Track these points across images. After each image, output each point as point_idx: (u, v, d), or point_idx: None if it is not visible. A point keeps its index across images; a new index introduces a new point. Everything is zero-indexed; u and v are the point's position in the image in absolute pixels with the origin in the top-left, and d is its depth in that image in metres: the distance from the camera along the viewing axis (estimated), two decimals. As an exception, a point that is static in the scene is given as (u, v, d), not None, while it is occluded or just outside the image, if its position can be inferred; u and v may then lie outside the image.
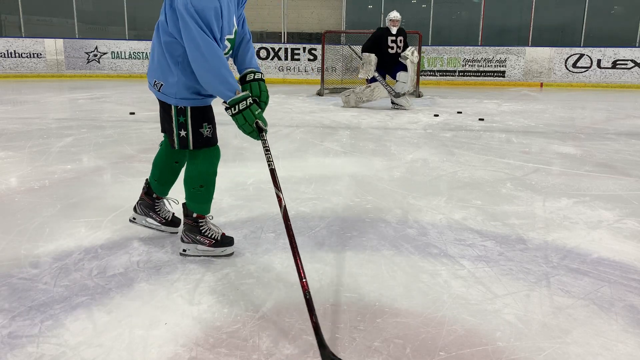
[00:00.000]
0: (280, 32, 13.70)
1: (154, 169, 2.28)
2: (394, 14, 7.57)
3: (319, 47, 11.47)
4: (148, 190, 2.32)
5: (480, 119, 6.47)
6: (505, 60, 12.07)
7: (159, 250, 2.22)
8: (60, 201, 2.87)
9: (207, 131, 2.03)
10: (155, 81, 1.99)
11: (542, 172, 3.75)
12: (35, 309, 1.70)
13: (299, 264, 1.62)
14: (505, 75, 12.12)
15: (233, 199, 2.97)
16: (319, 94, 9.57)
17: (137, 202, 2.35)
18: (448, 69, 12.23)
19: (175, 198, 2.37)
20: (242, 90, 1.90)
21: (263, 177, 3.38)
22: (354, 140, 5.01)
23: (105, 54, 12.69)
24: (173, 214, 2.40)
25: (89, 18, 14.01)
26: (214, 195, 2.17)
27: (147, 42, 12.48)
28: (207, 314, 1.69)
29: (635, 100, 9.31)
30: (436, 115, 6.77)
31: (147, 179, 2.33)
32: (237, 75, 2.01)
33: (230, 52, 2.04)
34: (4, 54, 12.20)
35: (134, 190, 2.43)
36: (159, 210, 2.34)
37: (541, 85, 12.00)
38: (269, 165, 1.87)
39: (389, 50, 7.49)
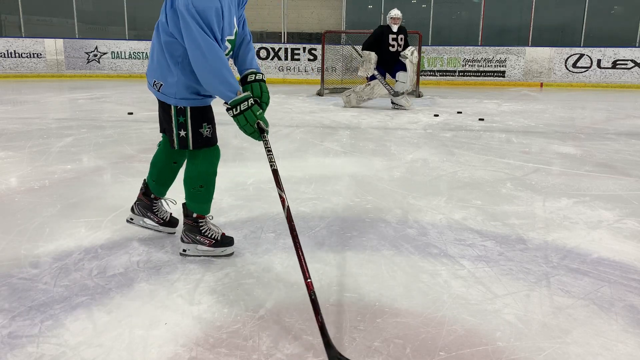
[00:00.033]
0: (280, 32, 13.71)
1: (152, 169, 2.28)
2: (395, 12, 7.55)
3: (319, 47, 11.46)
4: (146, 190, 2.31)
5: (480, 119, 6.47)
6: (505, 60, 12.07)
7: (159, 250, 2.22)
8: (60, 201, 2.87)
9: (207, 131, 2.03)
10: (155, 81, 1.99)
11: (542, 172, 3.75)
12: (35, 309, 1.70)
13: (304, 264, 1.62)
14: (505, 75, 12.12)
15: (233, 199, 2.97)
16: (319, 94, 9.57)
17: (135, 203, 2.35)
18: (448, 69, 12.23)
19: (173, 198, 2.37)
20: (243, 91, 1.90)
21: (263, 177, 3.38)
22: (354, 140, 5.01)
23: (105, 54, 12.69)
24: (171, 214, 2.40)
25: (89, 18, 14.01)
26: (214, 195, 2.17)
27: (147, 42, 12.48)
28: (207, 314, 1.69)
29: (635, 100, 9.31)
30: (436, 115, 6.77)
31: (144, 180, 2.33)
32: (237, 76, 2.01)
33: (231, 53, 2.04)
34: (4, 54, 12.20)
35: (134, 190, 2.43)
36: (157, 211, 2.34)
37: (541, 85, 12.00)
38: (271, 166, 1.87)
39: (390, 48, 7.48)
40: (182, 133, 2.01)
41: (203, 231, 2.14)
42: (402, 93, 7.41)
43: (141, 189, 2.33)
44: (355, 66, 10.37)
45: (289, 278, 1.97)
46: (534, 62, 12.02)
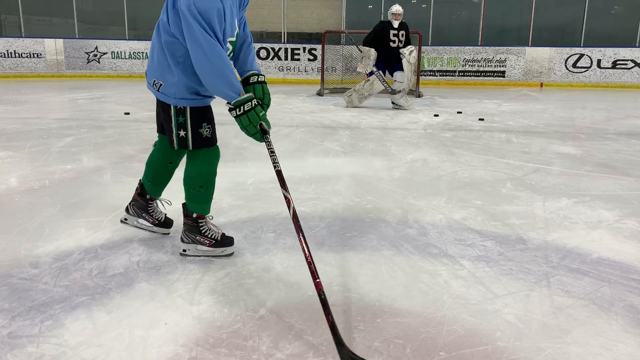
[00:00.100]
0: (280, 32, 13.71)
1: (147, 169, 2.28)
2: (396, 8, 7.51)
3: (319, 47, 11.46)
4: (141, 191, 2.31)
5: (480, 119, 6.47)
6: (505, 60, 12.07)
7: (159, 250, 2.22)
8: (60, 201, 2.87)
9: (207, 131, 2.03)
10: (155, 81, 1.99)
11: (542, 172, 3.75)
12: (35, 309, 1.70)
13: (312, 264, 1.62)
14: (505, 75, 12.12)
15: (233, 199, 2.97)
16: (319, 94, 9.57)
17: (130, 203, 2.34)
18: (448, 69, 12.23)
19: (169, 199, 2.37)
20: (245, 92, 1.90)
21: (263, 177, 3.39)
22: (354, 140, 5.01)
23: (105, 54, 12.69)
24: (165, 215, 2.40)
25: (89, 18, 14.01)
26: (214, 195, 2.17)
27: (147, 42, 12.48)
28: (207, 314, 1.69)
29: (635, 100, 9.31)
30: (436, 115, 6.77)
31: (140, 180, 2.33)
32: (238, 77, 2.01)
33: (232, 54, 2.04)
34: (4, 54, 12.20)
35: (134, 191, 2.43)
36: (152, 212, 2.33)
37: (541, 85, 12.00)
38: (275, 167, 1.87)
39: (390, 44, 7.45)
40: (182, 133, 2.00)
41: (203, 231, 2.14)
42: (399, 91, 7.41)
43: (137, 189, 2.33)
44: (355, 66, 10.37)
45: (289, 278, 1.97)
46: (534, 62, 12.02)
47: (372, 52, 7.33)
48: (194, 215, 2.13)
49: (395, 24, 7.49)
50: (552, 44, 12.26)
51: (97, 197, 2.99)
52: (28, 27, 13.35)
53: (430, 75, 12.20)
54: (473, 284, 1.93)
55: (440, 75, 12.27)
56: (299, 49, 12.53)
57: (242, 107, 1.84)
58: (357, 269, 2.06)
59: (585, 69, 11.82)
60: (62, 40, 12.55)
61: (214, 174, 2.13)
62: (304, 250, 1.66)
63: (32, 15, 13.56)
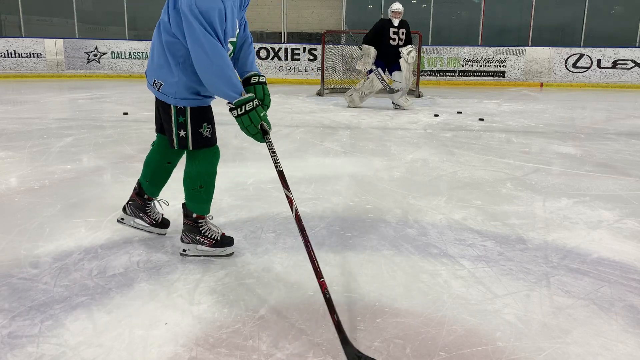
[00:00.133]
0: (280, 32, 13.71)
1: (145, 169, 2.27)
2: (396, 6, 7.50)
3: (319, 47, 11.47)
4: (139, 191, 2.31)
5: (480, 119, 6.47)
6: (505, 60, 12.07)
7: (159, 250, 2.22)
8: (60, 201, 2.87)
9: (207, 131, 2.03)
10: (155, 80, 1.99)
11: (542, 172, 3.75)
12: (35, 309, 1.70)
13: (316, 264, 1.63)
14: (505, 75, 12.12)
15: (233, 199, 2.97)
16: (319, 94, 9.57)
17: (127, 203, 2.34)
18: (448, 69, 12.23)
19: (166, 199, 2.37)
20: (246, 92, 1.90)
21: (263, 177, 3.39)
22: (354, 140, 5.01)
23: (105, 54, 12.69)
24: (162, 215, 2.40)
25: (89, 18, 14.01)
26: (214, 195, 2.17)
27: (147, 42, 12.48)
28: (207, 314, 1.69)
29: (635, 100, 9.31)
30: (436, 115, 6.77)
31: (138, 180, 2.33)
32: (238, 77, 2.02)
33: (232, 54, 2.04)
34: (4, 54, 12.20)
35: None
36: (150, 212, 2.33)
37: (541, 85, 12.00)
38: (276, 167, 1.87)
39: (391, 41, 7.43)
40: (182, 133, 2.00)
41: (203, 231, 2.14)
42: (397, 90, 7.42)
43: (134, 189, 2.32)
44: (355, 66, 10.37)
45: (289, 278, 1.97)
46: (534, 62, 12.02)
47: (372, 50, 7.33)
48: (194, 215, 2.13)
49: (395, 22, 7.48)
50: (552, 44, 12.27)
51: (97, 197, 2.99)
52: (28, 27, 13.35)
53: (430, 75, 12.20)
54: (473, 284, 1.93)
55: (440, 75, 12.27)
56: (299, 49, 12.53)
57: (243, 107, 1.84)
58: (357, 269, 2.06)
59: (585, 69, 11.82)
60: (62, 40, 12.56)
61: (214, 174, 2.13)
62: (308, 251, 1.66)
63: (32, 15, 13.56)
